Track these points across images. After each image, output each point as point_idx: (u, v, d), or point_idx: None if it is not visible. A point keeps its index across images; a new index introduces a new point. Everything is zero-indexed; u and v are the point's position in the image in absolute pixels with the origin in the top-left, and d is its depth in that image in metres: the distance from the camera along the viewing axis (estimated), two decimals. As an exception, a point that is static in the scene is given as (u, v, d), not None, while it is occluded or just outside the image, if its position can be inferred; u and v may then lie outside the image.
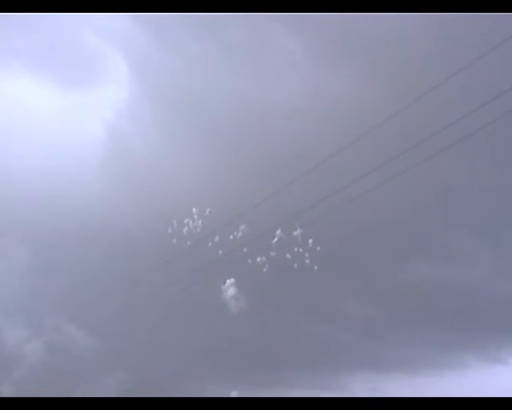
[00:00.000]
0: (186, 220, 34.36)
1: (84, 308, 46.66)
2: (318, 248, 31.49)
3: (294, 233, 31.54)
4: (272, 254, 33.01)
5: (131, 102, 45.56)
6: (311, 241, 31.81)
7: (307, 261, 32.32)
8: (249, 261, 33.75)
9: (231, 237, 32.96)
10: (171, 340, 46.68)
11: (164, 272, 39.87)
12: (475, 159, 38.53)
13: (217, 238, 33.57)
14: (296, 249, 31.68)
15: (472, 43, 32.37)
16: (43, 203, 46.51)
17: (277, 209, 32.82)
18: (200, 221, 34.57)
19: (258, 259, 33.22)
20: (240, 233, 33.13)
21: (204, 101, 39.79)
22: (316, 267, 31.67)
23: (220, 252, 34.58)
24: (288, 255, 32.72)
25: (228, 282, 35.02)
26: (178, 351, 47.19)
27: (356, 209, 33.92)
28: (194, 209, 33.91)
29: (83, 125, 48.28)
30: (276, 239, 32.50)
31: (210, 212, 34.20)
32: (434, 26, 37.33)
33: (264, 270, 33.46)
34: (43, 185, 46.75)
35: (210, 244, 34.09)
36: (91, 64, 49.51)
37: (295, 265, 32.22)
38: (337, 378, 53.39)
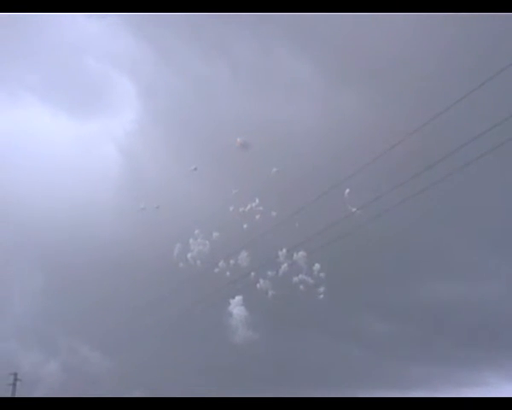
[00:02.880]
0: (191, 241, 32.02)
1: (97, 330, 44.84)
2: (322, 275, 28.91)
3: (295, 256, 29.02)
4: (279, 277, 30.45)
5: (141, 121, 44.05)
6: (317, 266, 29.30)
7: (320, 289, 29.85)
8: (258, 286, 31.31)
9: (233, 261, 30.42)
10: (183, 360, 44.67)
11: (174, 294, 37.73)
12: (493, 177, 36.23)
13: (221, 263, 31.12)
14: (301, 276, 29.15)
15: (484, 63, 30.88)
16: (58, 227, 45.17)
17: (284, 233, 30.53)
18: (207, 242, 32.22)
19: (264, 282, 30.70)
20: (245, 258, 30.71)
21: (211, 120, 37.82)
22: (322, 296, 29.07)
23: (228, 273, 32.16)
24: (296, 279, 30.22)
25: (235, 301, 32.40)
26: (192, 372, 45.10)
27: (373, 229, 31.98)
28: (197, 231, 31.49)
29: (97, 149, 47.22)
30: (284, 265, 29.97)
31: (217, 235, 31.78)
32: (446, 44, 36.28)
33: (272, 293, 30.99)
34: (57, 210, 45.53)
35: (217, 270, 31.60)
36: (99, 89, 48.41)
37: (301, 287, 29.60)
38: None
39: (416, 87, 36.79)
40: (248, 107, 38.06)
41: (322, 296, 29.65)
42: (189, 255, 32.30)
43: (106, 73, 47.80)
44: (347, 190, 29.66)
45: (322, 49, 40.05)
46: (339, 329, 47.22)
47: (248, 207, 31.16)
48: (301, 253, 29.74)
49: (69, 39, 47.66)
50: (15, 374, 49.76)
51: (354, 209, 29.33)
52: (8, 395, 48.62)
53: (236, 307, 32.65)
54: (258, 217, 30.92)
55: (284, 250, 30.66)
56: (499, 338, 46.76)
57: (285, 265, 30.60)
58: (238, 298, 32.67)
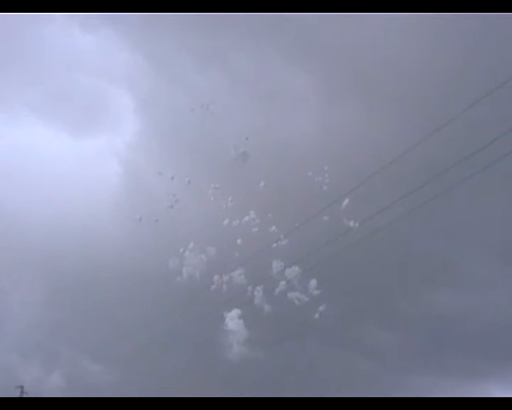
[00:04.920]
0: (186, 254, 30.12)
1: (99, 342, 43.38)
2: (319, 292, 27.04)
3: (292, 273, 27.08)
4: (277, 293, 28.54)
5: (140, 135, 42.92)
6: (314, 282, 27.35)
7: (320, 308, 28.03)
8: (255, 301, 29.43)
9: (228, 277, 28.48)
10: (183, 373, 42.94)
11: (172, 308, 36.24)
12: (497, 187, 34.90)
13: (217, 278, 29.21)
14: (299, 294, 27.28)
15: (491, 72, 29.82)
16: (59, 241, 43.84)
17: (282, 248, 28.67)
18: (203, 256, 30.31)
19: (261, 297, 28.79)
20: (240, 274, 28.80)
21: (208, 131, 36.04)
22: (318, 315, 27.16)
23: (224, 287, 30.26)
24: (293, 295, 28.28)
25: (231, 315, 30.39)
26: (191, 383, 43.15)
27: (375, 241, 30.85)
28: (192, 245, 29.61)
29: (98, 164, 45.86)
30: (282, 282, 28.06)
31: (212, 250, 29.86)
32: (450, 54, 35.11)
33: (269, 308, 29.12)
34: (58, 224, 44.30)
35: (213, 287, 29.72)
36: (96, 104, 47.18)
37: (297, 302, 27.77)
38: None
39: (419, 98, 35.48)
40: (246, 118, 36.29)
41: (319, 315, 27.71)
42: (184, 270, 30.40)
43: (102, 88, 46.64)
44: (347, 203, 27.96)
45: (320, 60, 38.68)
46: (340, 340, 45.88)
47: (244, 220, 29.29)
48: (297, 268, 27.88)
49: (65, 56, 46.67)
50: (22, 387, 48.60)
51: (356, 224, 27.73)
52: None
53: (233, 320, 30.67)
54: (254, 231, 29.05)
55: (282, 265, 28.77)
56: (505, 350, 44.96)
57: (283, 282, 28.69)
58: (235, 312, 30.72)
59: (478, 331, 46.32)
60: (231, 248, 29.18)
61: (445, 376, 49.48)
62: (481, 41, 33.82)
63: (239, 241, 28.72)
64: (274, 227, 29.37)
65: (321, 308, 28.35)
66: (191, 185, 30.89)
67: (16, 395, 48.21)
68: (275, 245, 28.74)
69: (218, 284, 29.87)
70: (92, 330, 43.75)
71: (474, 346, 47.08)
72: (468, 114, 23.41)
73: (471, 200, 35.38)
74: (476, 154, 23.17)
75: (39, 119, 50.42)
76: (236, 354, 31.75)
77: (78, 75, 47.26)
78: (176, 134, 38.58)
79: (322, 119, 37.38)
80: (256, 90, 37.73)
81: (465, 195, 31.30)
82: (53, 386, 46.10)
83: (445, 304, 46.09)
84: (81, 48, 46.31)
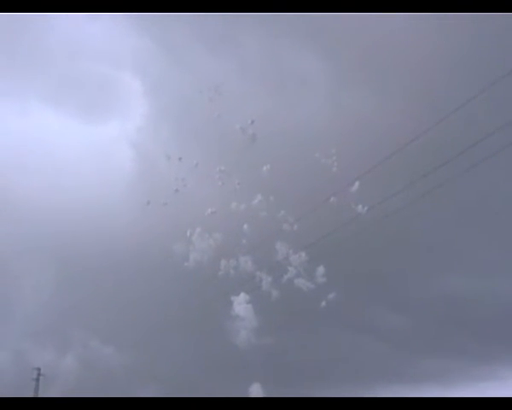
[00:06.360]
0: (193, 239, 29.05)
1: (110, 326, 42.62)
2: (323, 279, 25.86)
3: (294, 258, 25.95)
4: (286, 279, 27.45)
5: (150, 119, 41.61)
6: (321, 268, 26.22)
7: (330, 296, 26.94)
8: (263, 289, 28.34)
9: (236, 262, 27.40)
10: (192, 356, 41.97)
11: (181, 291, 35.20)
12: (507, 174, 33.80)
13: (225, 263, 28.09)
14: (308, 283, 26.18)
15: (500, 60, 28.41)
16: (70, 225, 43.13)
17: (292, 234, 27.62)
18: (211, 241, 29.21)
19: (269, 283, 27.68)
20: (248, 259, 27.72)
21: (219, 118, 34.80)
22: (324, 303, 26.16)
23: (232, 272, 29.23)
24: (302, 281, 27.15)
25: (240, 299, 29.36)
26: (205, 364, 42.30)
27: (390, 224, 30.05)
28: (199, 229, 28.47)
29: (110, 149, 44.95)
30: (291, 268, 26.99)
31: (219, 235, 28.78)
32: (462, 44, 34.12)
33: (277, 293, 28.05)
34: (70, 209, 43.57)
35: (221, 272, 28.65)
36: (107, 89, 46.40)
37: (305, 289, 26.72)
38: (371, 391, 47.85)
39: (430, 83, 34.56)
40: (254, 101, 35.10)
41: (326, 301, 26.57)
42: (191, 255, 29.37)
43: (112, 73, 45.80)
44: (357, 188, 26.92)
45: (329, 43, 37.45)
46: (353, 323, 44.81)
47: (251, 203, 28.16)
48: (303, 254, 26.76)
49: (74, 43, 45.94)
50: (39, 369, 47.93)
51: (364, 208, 26.66)
52: (31, 390, 46.78)
53: (241, 305, 29.58)
54: (261, 215, 27.92)
55: (289, 252, 27.62)
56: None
57: (291, 268, 27.56)
58: (242, 296, 29.65)
59: (489, 314, 45.23)
60: (238, 234, 28.12)
61: (456, 358, 48.56)
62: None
63: (245, 226, 27.62)
64: (282, 211, 28.30)
65: (330, 295, 27.28)
66: (199, 168, 29.83)
67: (33, 376, 47.69)
68: (282, 230, 27.56)
69: (226, 269, 28.78)
70: (103, 314, 43.12)
71: (486, 329, 46.00)
72: (480, 100, 22.84)
73: (483, 185, 34.66)
74: (489, 138, 22.52)
75: (50, 107, 49.85)
76: (245, 339, 30.78)
77: (87, 62, 46.50)
78: (184, 117, 37.63)
79: (330, 102, 36.35)
80: (265, 73, 36.68)
81: (476, 180, 30.60)
82: (67, 368, 45.49)
83: (456, 288, 45.35)
84: (89, 34, 45.45)
